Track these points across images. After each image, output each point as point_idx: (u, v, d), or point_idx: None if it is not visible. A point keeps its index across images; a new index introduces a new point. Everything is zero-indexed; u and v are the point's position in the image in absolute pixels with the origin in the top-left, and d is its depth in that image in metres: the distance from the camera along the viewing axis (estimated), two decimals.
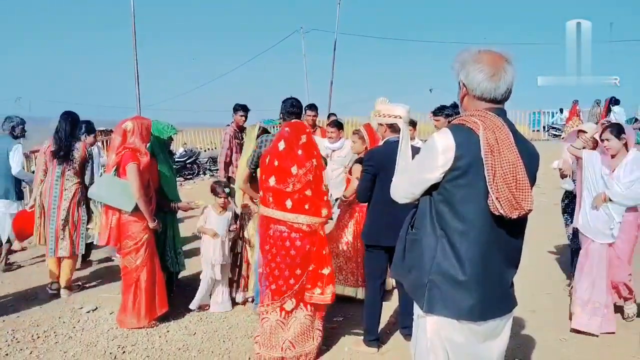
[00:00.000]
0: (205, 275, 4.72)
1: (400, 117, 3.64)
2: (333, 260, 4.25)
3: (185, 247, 5.84)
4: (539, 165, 2.03)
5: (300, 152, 3.58)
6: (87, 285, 5.53)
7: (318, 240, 3.66)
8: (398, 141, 3.58)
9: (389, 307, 4.65)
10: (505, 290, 2.02)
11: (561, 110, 21.08)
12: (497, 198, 1.82)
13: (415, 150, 3.85)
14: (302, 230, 3.58)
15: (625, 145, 4.21)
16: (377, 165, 3.64)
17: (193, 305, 4.76)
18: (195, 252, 6.57)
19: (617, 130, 4.21)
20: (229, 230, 4.77)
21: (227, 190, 4.78)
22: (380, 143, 3.91)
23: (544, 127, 21.33)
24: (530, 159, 1.93)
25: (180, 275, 5.31)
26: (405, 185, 2.08)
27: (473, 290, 1.90)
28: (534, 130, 21.44)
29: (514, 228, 1.95)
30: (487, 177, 1.83)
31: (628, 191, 4.07)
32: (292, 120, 4.01)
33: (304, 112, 5.88)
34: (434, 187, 1.94)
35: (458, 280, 1.90)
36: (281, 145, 3.61)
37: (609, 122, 4.87)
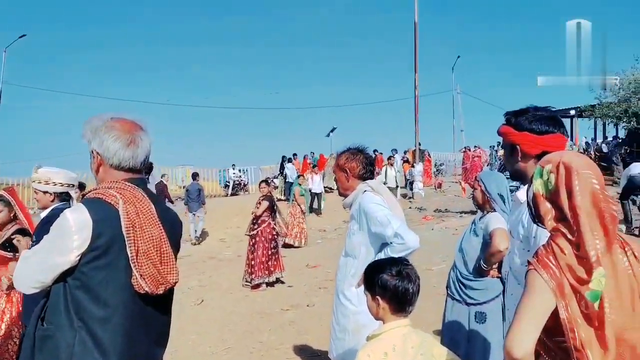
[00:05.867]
0: None
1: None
2: None
3: None
4: (182, 232, 2.00)
5: None
6: None
7: None
8: (63, 209, 3.25)
9: None
10: None
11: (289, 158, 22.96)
12: (141, 275, 1.68)
13: None
14: None
15: None
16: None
17: None
18: None
19: None
20: None
21: None
22: None
23: (226, 184, 22.74)
24: (172, 227, 1.88)
25: None
26: (32, 272, 1.73)
27: None
28: (225, 186, 22.67)
29: (161, 303, 1.84)
30: (129, 255, 1.68)
31: None
32: None
33: None
34: (68, 271, 1.67)
35: None
36: None
37: None
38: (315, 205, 15.97)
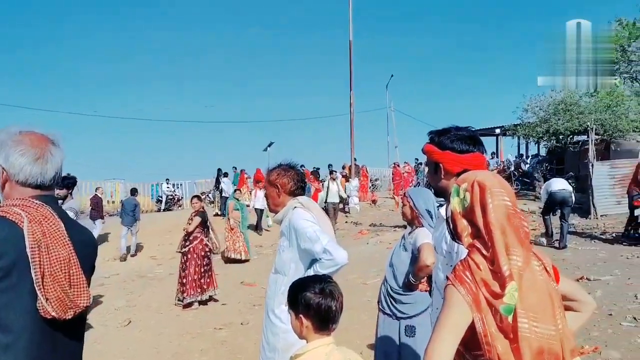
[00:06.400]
0: None
1: None
2: None
3: None
4: (97, 253, 1.89)
5: None
6: None
7: None
8: None
9: None
10: None
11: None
12: (47, 299, 1.56)
13: None
14: None
15: None
16: None
17: None
18: None
19: None
20: None
21: None
22: None
23: (158, 199, 22.08)
24: (85, 248, 1.76)
25: None
26: None
27: None
28: (158, 201, 21.98)
29: (72, 329, 1.72)
30: (34, 277, 1.56)
31: None
32: None
33: None
34: None
35: None
36: None
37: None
38: (262, 222, 15.27)
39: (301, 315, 1.81)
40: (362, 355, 4.73)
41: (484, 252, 1.49)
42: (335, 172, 16.75)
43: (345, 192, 17.68)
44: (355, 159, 21.69)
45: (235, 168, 20.19)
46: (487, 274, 1.46)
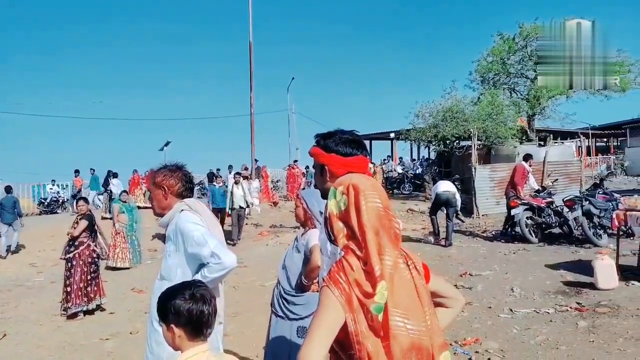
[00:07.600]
0: None
1: None
2: None
3: None
4: None
5: None
6: None
7: None
8: None
9: None
10: None
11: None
12: None
13: None
14: None
15: None
16: None
17: None
18: None
19: None
20: None
21: None
22: None
23: (41, 201, 20.37)
24: None
25: None
26: None
27: None
28: (39, 204, 20.25)
29: None
30: None
31: None
32: None
33: None
34: None
35: None
36: None
37: None
38: None
39: (172, 325, 1.73)
40: (258, 358, 4.69)
41: (358, 252, 1.53)
42: (240, 174, 15.55)
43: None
44: (256, 160, 21.55)
45: (93, 170, 19.10)
46: (360, 275, 1.50)
